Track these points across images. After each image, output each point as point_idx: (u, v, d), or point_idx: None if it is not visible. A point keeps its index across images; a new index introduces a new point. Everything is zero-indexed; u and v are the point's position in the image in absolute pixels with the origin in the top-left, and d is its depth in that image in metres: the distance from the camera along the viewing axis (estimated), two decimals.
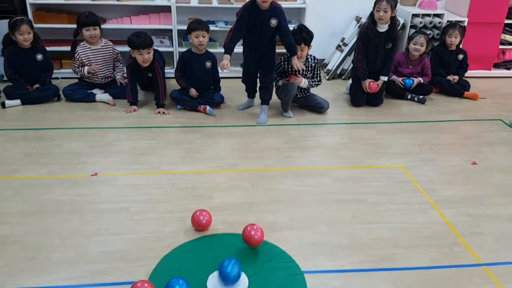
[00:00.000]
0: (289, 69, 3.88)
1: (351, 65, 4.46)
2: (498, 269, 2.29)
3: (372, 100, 4.24)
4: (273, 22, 3.60)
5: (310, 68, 3.93)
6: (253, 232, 2.31)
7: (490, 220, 2.69)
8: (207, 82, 4.05)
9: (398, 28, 4.66)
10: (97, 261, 2.26)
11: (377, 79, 4.16)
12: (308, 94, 4.04)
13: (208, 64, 3.96)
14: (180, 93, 4.02)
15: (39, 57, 4.02)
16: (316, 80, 3.99)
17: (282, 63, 3.90)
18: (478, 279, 2.23)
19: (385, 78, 4.18)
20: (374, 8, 3.97)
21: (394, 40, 4.07)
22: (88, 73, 4.07)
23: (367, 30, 4.02)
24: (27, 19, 3.93)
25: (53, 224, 2.51)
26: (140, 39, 3.73)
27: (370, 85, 4.11)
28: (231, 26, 3.75)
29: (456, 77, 4.57)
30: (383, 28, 3.98)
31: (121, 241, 2.39)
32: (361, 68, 4.10)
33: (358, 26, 4.78)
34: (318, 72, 3.98)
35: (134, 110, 3.96)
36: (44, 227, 2.48)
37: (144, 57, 3.77)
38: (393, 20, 3.99)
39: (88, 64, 4.08)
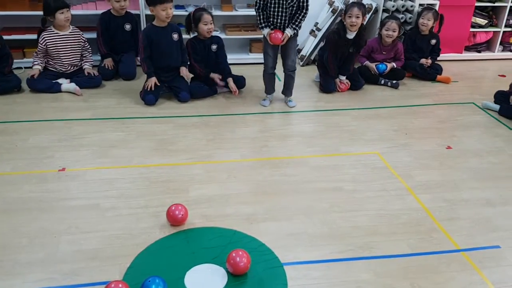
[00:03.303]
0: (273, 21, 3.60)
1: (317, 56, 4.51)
2: (476, 254, 2.31)
3: (353, 86, 4.26)
4: (175, 36, 3.80)
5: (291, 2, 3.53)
6: (238, 259, 2.08)
7: (466, 205, 2.70)
8: (176, 58, 3.85)
9: (371, 13, 4.64)
10: (68, 261, 2.16)
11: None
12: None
13: (175, 36, 3.80)
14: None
15: None
16: (300, 16, 3.57)
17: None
18: (457, 265, 2.23)
19: (343, 77, 4.22)
20: (345, 15, 3.92)
21: (359, 48, 4.12)
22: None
23: (338, 38, 3.99)
24: None
25: (20, 223, 2.38)
26: None
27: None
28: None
29: (430, 61, 4.59)
30: (351, 35, 3.97)
31: (93, 240, 2.30)
32: (333, 69, 4.17)
33: (332, 11, 4.72)
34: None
35: (113, 66, 4.17)
36: (11, 226, 2.36)
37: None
38: (361, 28, 3.97)
39: (53, 52, 3.89)
